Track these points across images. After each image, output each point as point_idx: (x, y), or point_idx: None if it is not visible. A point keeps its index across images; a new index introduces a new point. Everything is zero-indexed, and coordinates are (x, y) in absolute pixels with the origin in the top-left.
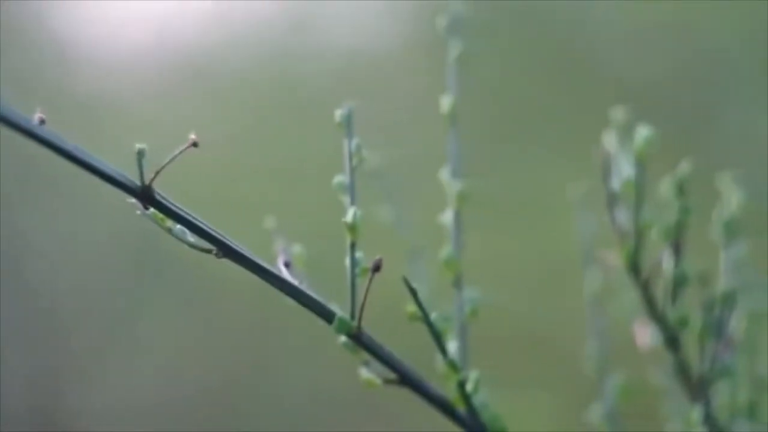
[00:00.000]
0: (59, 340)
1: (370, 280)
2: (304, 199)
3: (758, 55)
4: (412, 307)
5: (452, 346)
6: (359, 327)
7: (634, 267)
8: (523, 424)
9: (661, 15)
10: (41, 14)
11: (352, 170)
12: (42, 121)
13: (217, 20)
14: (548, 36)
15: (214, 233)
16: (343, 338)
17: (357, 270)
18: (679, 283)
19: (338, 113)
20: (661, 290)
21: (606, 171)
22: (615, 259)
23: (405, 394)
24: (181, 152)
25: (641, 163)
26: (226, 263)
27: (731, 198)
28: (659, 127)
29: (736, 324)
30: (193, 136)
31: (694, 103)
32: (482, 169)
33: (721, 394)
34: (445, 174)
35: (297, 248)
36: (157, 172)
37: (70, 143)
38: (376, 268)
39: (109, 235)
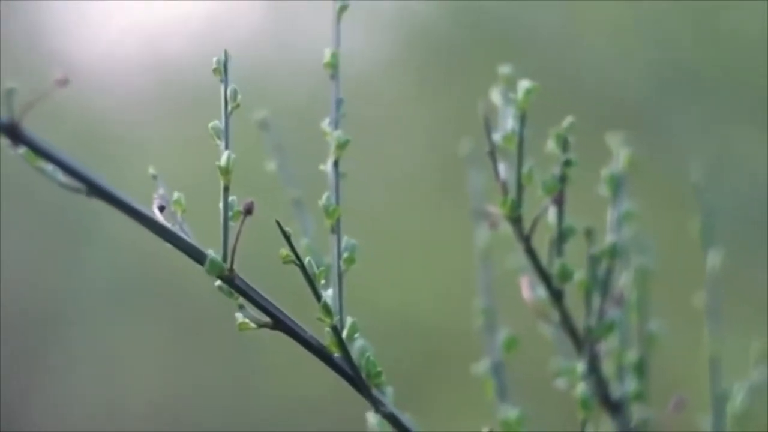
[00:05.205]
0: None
1: (242, 223)
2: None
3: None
4: (284, 251)
5: (329, 293)
6: (231, 269)
7: (516, 220)
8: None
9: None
10: (37, 33)
11: (227, 115)
12: None
13: (204, 39)
14: (530, 50)
15: (82, 171)
16: (217, 282)
17: (230, 213)
18: (562, 236)
19: (215, 59)
20: (546, 244)
21: (488, 124)
22: (500, 213)
23: None
24: (50, 91)
25: (522, 116)
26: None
27: (619, 154)
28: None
29: (625, 281)
30: (59, 75)
31: (655, 111)
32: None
33: (611, 351)
34: (325, 124)
35: (176, 194)
36: (27, 108)
37: None
38: (248, 210)
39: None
